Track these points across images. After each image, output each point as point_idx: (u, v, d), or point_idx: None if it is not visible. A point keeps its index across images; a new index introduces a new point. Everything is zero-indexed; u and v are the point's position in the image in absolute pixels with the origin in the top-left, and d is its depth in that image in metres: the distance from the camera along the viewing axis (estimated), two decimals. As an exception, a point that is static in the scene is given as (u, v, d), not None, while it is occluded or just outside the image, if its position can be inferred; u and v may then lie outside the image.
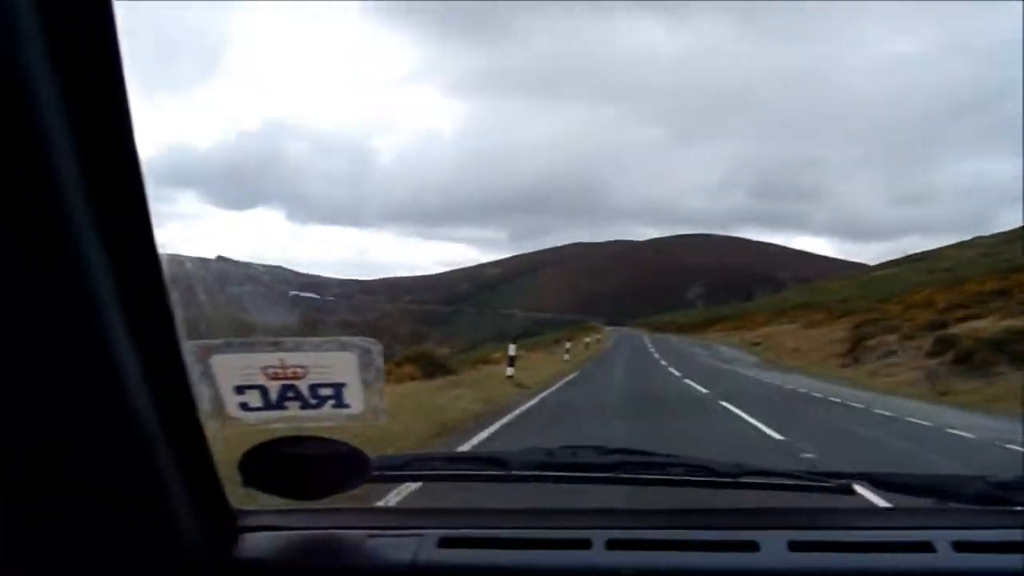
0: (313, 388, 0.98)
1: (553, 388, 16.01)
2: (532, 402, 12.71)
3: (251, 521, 1.16)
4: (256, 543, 1.13)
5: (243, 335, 0.97)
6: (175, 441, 0.90)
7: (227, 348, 0.93)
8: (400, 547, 1.13)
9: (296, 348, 0.96)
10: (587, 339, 36.15)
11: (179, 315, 0.84)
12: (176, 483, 0.92)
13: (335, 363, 0.97)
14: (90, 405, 0.81)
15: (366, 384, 0.98)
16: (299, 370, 0.96)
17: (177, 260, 0.83)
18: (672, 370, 23.99)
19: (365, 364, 0.97)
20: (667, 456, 1.48)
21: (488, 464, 1.40)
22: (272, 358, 0.96)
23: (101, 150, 0.73)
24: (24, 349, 0.74)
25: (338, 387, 0.98)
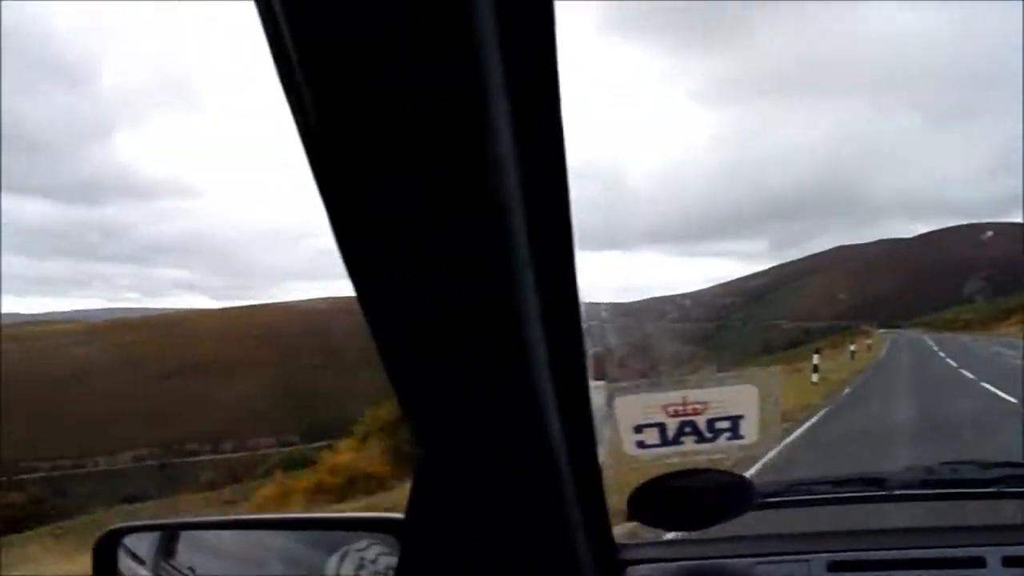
0: (711, 422, 1.03)
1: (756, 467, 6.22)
2: None
3: (634, 554, 1.20)
4: (642, 575, 1.17)
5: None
6: (576, 476, 0.96)
7: (632, 390, 1.02)
8: (789, 573, 1.14)
9: (699, 384, 1.02)
10: (852, 346, 31.14)
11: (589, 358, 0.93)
12: (575, 516, 0.98)
13: (735, 396, 1.02)
14: (515, 439, 0.88)
15: (764, 414, 1.02)
16: (699, 406, 1.02)
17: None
18: (995, 390, 12.73)
19: (765, 395, 1.01)
20: None
21: (868, 485, 1.39)
22: (675, 396, 1.03)
23: (542, 188, 0.72)
24: (465, 376, 0.81)
25: (735, 419, 1.03)
